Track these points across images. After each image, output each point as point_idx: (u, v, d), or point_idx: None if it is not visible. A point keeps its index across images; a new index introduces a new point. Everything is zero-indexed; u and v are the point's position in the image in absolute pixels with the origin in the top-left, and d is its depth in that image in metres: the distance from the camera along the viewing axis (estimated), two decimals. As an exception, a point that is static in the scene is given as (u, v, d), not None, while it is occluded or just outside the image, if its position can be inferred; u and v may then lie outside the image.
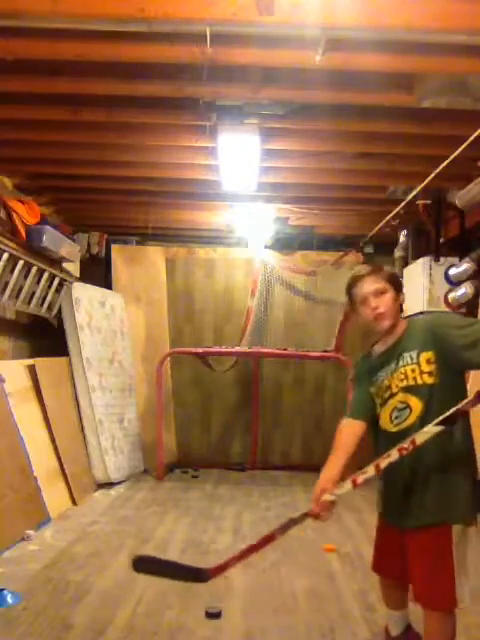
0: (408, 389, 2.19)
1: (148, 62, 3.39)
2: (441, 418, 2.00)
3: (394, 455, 2.05)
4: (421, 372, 2.16)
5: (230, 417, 7.31)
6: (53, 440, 5.11)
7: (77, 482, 5.26)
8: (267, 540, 2.25)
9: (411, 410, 2.17)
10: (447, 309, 5.59)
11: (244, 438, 7.23)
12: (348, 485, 2.11)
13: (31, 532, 4.14)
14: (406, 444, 2.03)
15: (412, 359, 2.18)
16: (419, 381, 2.16)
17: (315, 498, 2.17)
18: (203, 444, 7.24)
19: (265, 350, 6.69)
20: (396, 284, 2.29)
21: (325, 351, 6.60)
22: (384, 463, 2.05)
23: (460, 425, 2.14)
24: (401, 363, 2.21)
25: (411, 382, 2.18)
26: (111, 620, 2.92)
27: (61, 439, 5.20)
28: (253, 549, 2.27)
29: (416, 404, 2.16)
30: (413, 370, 2.17)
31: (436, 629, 2.18)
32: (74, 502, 5.09)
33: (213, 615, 2.98)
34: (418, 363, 2.16)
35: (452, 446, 2.15)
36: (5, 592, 3.10)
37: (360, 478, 2.09)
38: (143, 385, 7.00)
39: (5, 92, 3.81)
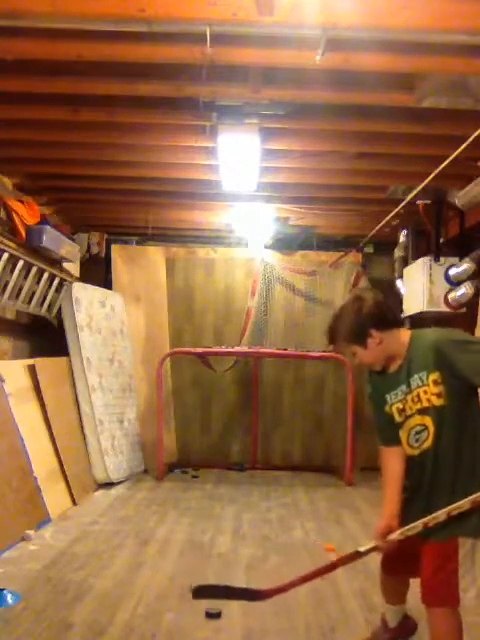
0: (423, 411, 2.22)
1: (148, 62, 3.38)
2: (474, 498, 2.10)
3: (466, 506, 2.12)
4: (431, 394, 2.20)
5: (230, 417, 7.31)
6: (53, 440, 5.11)
7: (77, 482, 5.26)
8: (329, 568, 2.41)
9: (428, 432, 2.22)
10: (447, 309, 5.59)
11: (244, 438, 7.23)
12: (419, 526, 2.18)
13: (31, 532, 4.14)
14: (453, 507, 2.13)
15: (422, 381, 2.21)
16: (430, 403, 2.20)
17: (381, 534, 2.25)
18: (203, 444, 7.24)
19: (265, 350, 6.70)
20: (357, 338, 2.27)
21: (325, 351, 6.60)
22: (455, 512, 2.13)
23: (475, 438, 2.21)
24: (413, 385, 2.23)
25: (425, 403, 2.21)
26: (111, 620, 2.92)
27: (61, 439, 5.20)
28: (312, 576, 2.45)
29: (431, 425, 2.21)
30: (425, 391, 2.21)
31: (443, 626, 2.22)
32: (74, 502, 5.09)
33: (213, 615, 2.98)
34: (427, 384, 2.20)
35: (467, 461, 2.20)
36: (5, 592, 3.10)
37: (432, 522, 2.17)
38: (143, 385, 7.00)
39: (5, 92, 3.81)
